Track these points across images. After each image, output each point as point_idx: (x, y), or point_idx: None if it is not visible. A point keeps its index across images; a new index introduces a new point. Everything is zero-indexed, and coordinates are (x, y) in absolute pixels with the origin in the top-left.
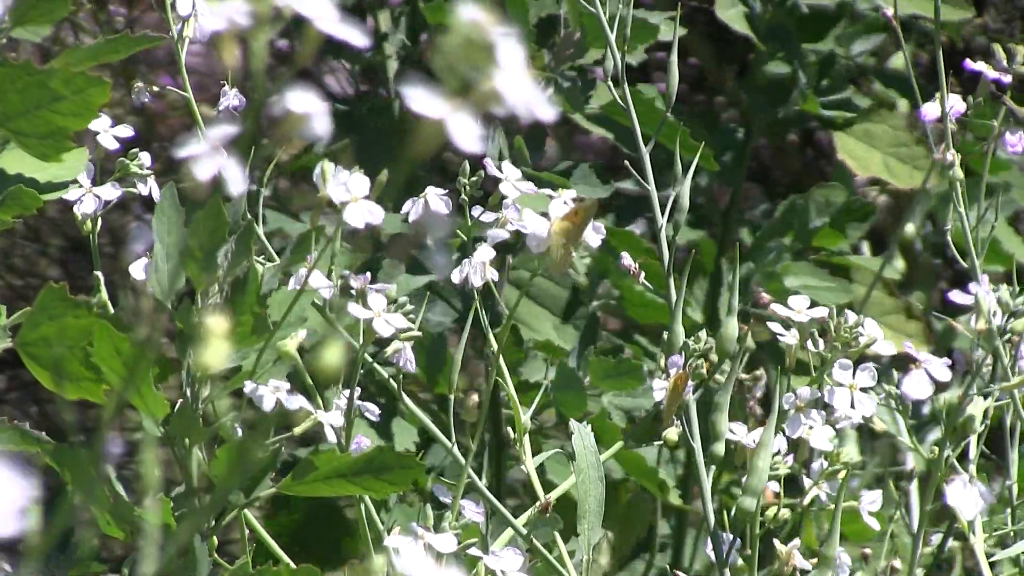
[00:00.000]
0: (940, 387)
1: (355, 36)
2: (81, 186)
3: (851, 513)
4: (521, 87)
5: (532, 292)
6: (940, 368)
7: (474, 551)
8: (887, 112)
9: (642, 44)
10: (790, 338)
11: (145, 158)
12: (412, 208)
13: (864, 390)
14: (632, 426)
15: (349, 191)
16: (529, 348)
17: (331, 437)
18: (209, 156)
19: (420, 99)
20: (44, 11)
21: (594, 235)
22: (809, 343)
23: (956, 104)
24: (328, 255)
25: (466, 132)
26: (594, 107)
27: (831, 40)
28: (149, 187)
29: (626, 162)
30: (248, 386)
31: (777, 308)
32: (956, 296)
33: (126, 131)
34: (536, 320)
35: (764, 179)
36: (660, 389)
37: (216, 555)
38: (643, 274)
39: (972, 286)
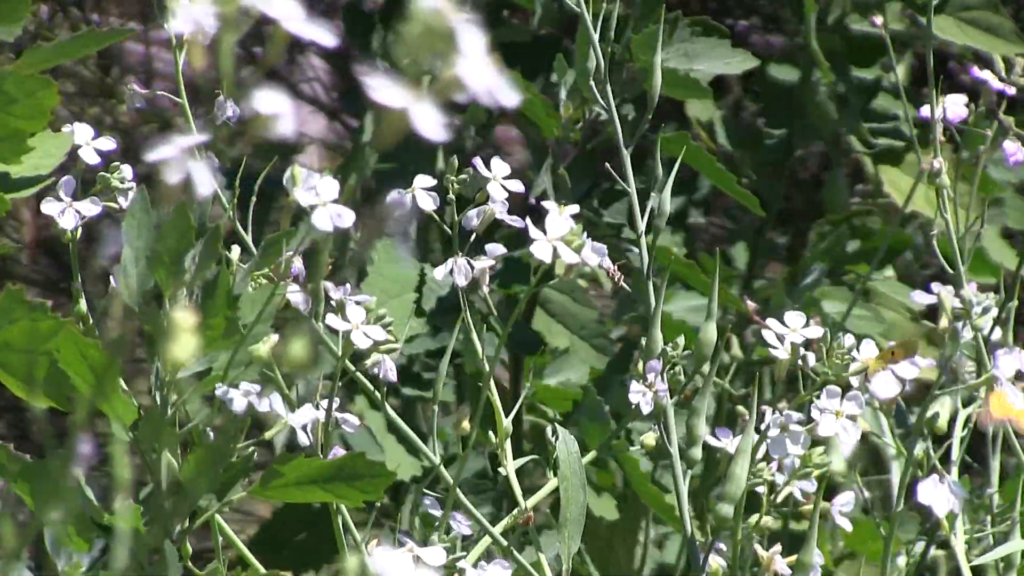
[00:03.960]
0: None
1: (323, 36)
2: (61, 200)
3: (864, 530)
4: (483, 73)
5: (553, 310)
6: (907, 368)
7: (462, 564)
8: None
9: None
10: (782, 352)
11: (127, 171)
12: (398, 199)
13: (851, 417)
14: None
15: (318, 195)
16: (557, 349)
17: (303, 439)
18: (180, 160)
19: (382, 89)
20: (3, 12)
21: (594, 256)
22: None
23: (959, 109)
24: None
25: (429, 121)
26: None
27: (877, 66)
28: (130, 200)
29: (607, 165)
30: (219, 389)
31: (772, 324)
32: (918, 296)
33: (108, 144)
34: (554, 337)
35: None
36: (636, 392)
37: (191, 563)
38: (622, 276)
39: (934, 285)
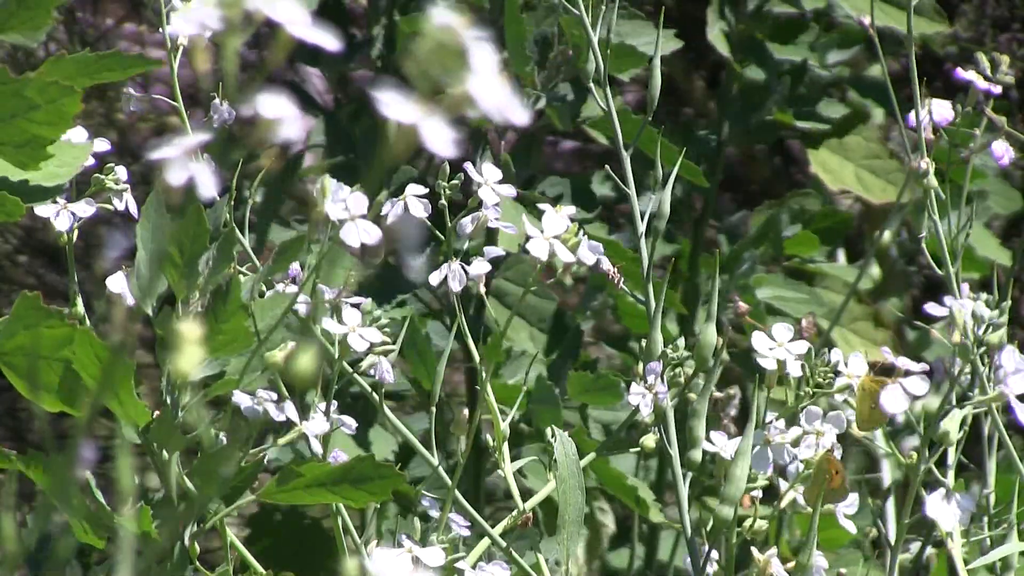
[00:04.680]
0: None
1: (327, 40)
2: (56, 201)
3: (823, 519)
4: (494, 91)
5: (510, 302)
6: (917, 383)
7: (461, 564)
8: (861, 124)
9: (628, 70)
10: (770, 362)
11: (121, 172)
12: (391, 209)
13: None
14: (608, 439)
15: (348, 210)
16: (513, 350)
17: (316, 447)
18: (182, 161)
19: (392, 104)
20: (24, 19)
21: (590, 254)
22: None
23: (945, 112)
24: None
25: (439, 137)
26: (583, 119)
27: (803, 48)
28: (125, 201)
29: (607, 167)
30: (236, 396)
31: (758, 338)
32: (932, 308)
33: (102, 145)
34: (513, 330)
35: (733, 186)
36: (636, 394)
37: (198, 563)
38: (622, 280)
39: (947, 299)
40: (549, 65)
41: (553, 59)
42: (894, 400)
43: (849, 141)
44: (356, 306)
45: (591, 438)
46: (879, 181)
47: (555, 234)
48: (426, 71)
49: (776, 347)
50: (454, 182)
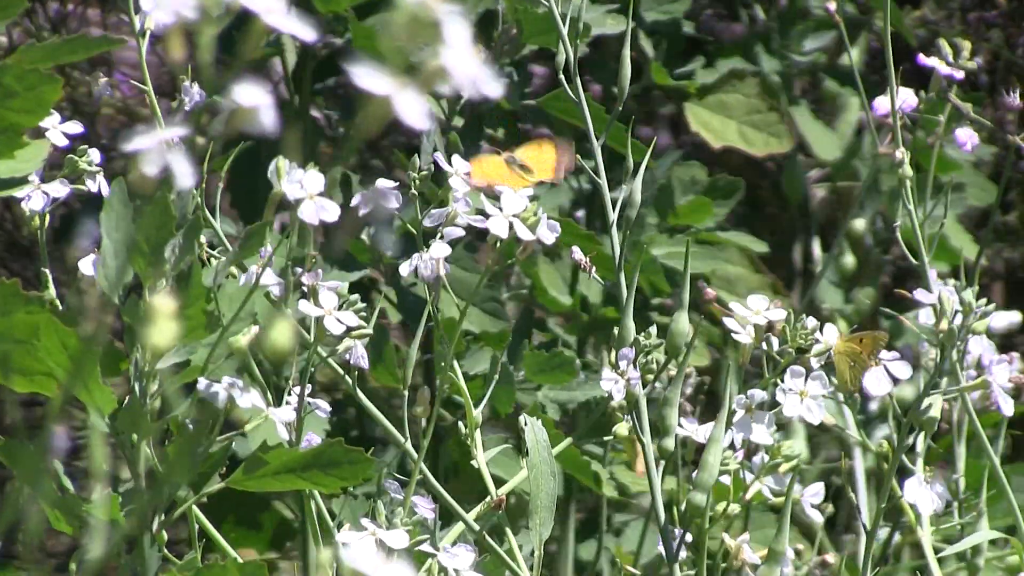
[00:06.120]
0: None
1: (303, 30)
2: (30, 182)
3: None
4: (468, 64)
5: (455, 286)
6: (901, 367)
7: (426, 547)
8: (739, 82)
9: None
10: (744, 336)
11: (94, 155)
12: (361, 201)
13: (815, 397)
14: (566, 418)
15: (304, 188)
16: (469, 340)
17: (283, 434)
18: (156, 151)
19: (367, 77)
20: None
21: (549, 233)
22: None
23: (908, 98)
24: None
25: (413, 109)
26: (531, 102)
27: (677, 9)
28: (98, 184)
29: (578, 156)
30: (201, 383)
31: (736, 307)
32: (921, 295)
33: (75, 127)
34: (449, 307)
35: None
36: (608, 380)
37: (166, 551)
38: (594, 268)
39: (936, 286)
40: (494, 44)
41: (498, 37)
42: (877, 382)
43: (729, 99)
44: (332, 289)
45: (545, 413)
46: (760, 135)
47: (514, 213)
48: (400, 44)
49: (755, 315)
50: (423, 172)
